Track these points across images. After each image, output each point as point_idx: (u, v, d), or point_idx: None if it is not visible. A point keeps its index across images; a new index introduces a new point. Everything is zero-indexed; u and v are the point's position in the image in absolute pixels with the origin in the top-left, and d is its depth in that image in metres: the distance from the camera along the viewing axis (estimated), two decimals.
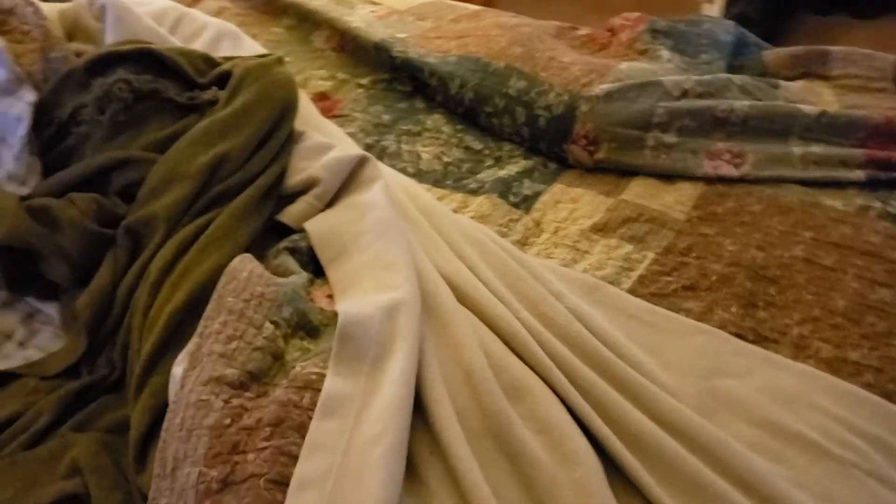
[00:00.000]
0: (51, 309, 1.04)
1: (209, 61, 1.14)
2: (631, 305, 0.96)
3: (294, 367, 0.81)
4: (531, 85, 1.28)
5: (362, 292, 0.90)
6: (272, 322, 0.84)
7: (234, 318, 0.83)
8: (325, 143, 1.10)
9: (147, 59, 1.08)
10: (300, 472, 0.70)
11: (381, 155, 1.27)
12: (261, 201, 1.01)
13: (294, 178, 1.05)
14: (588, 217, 1.13)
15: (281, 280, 0.89)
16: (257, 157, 1.03)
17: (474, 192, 1.18)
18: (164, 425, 0.76)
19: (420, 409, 0.80)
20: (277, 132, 1.06)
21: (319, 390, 0.77)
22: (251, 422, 0.74)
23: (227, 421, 0.74)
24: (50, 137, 1.07)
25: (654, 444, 0.78)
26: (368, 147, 1.28)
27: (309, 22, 1.57)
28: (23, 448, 0.85)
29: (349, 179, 1.07)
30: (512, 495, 0.75)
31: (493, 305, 0.92)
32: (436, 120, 1.35)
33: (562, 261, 1.06)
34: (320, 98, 1.42)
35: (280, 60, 1.15)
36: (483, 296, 0.93)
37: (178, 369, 0.81)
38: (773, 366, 0.87)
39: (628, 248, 1.07)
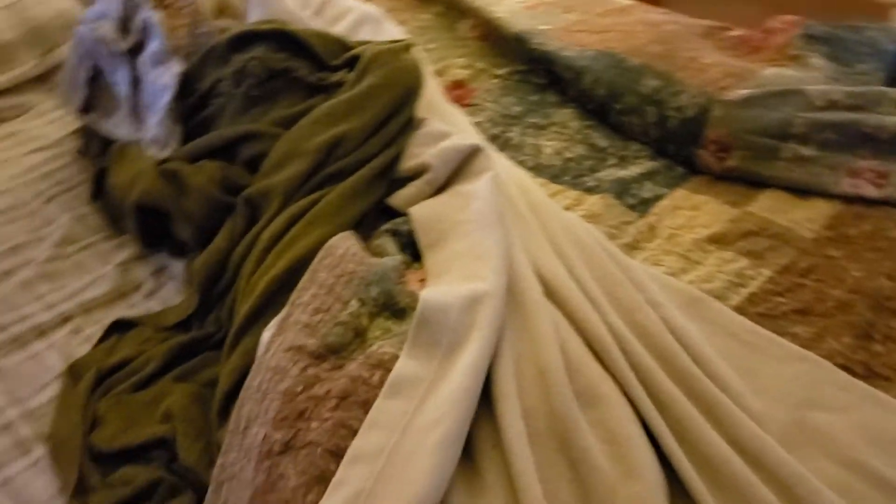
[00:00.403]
0: (179, 266, 1.13)
1: (343, 44, 1.18)
2: (733, 323, 0.92)
3: (372, 346, 0.83)
4: (665, 84, 1.23)
5: (451, 280, 0.91)
6: (359, 300, 0.86)
7: (324, 291, 0.87)
8: (442, 130, 1.11)
9: (283, 38, 1.13)
10: (356, 445, 0.72)
11: (504, 146, 1.27)
12: (373, 182, 1.04)
13: (407, 163, 1.07)
14: (706, 227, 1.08)
15: (374, 260, 0.91)
16: (375, 140, 1.06)
17: (590, 191, 1.16)
18: (245, 385, 0.81)
19: (489, 403, 0.80)
20: (397, 116, 1.09)
21: (391, 370, 0.79)
22: (321, 392, 0.77)
23: (300, 388, 0.77)
24: (191, 107, 1.15)
25: (726, 469, 0.74)
26: (493, 137, 1.28)
27: (456, 10, 1.59)
28: (130, 390, 0.93)
29: (460, 168, 1.07)
30: (568, 500, 0.74)
31: (581, 307, 0.90)
32: (565, 115, 1.33)
33: (669, 269, 1.02)
34: (456, 86, 1.44)
35: (408, 47, 1.17)
36: (574, 297, 0.92)
37: (266, 334, 0.85)
38: (877, 404, 0.80)
39: (743, 262, 1.01)
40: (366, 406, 0.76)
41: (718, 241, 1.05)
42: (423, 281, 0.95)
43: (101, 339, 1.02)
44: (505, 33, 1.47)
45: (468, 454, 0.76)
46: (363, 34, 1.34)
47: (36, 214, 1.26)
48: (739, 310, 0.94)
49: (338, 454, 0.72)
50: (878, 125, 1.10)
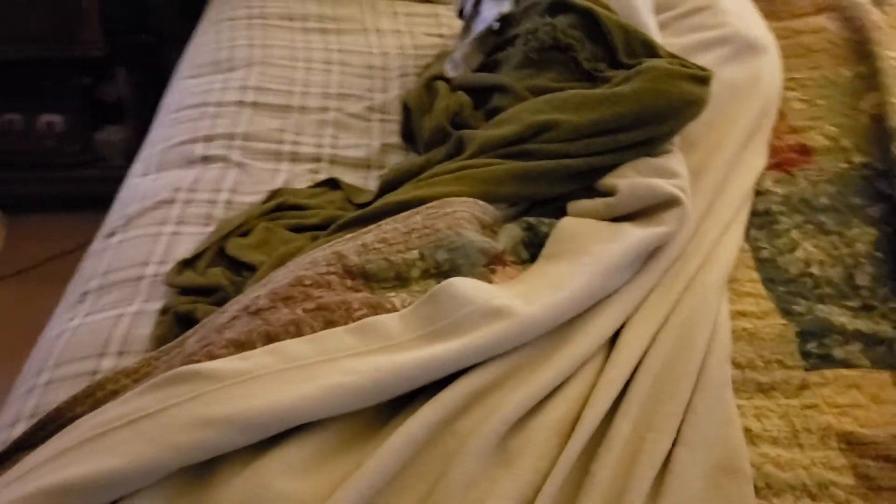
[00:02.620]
0: None
1: (648, 48, 1.14)
2: None
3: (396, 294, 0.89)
4: None
5: (514, 287, 0.90)
6: (421, 254, 0.92)
7: (403, 230, 0.94)
8: (671, 168, 1.04)
9: (590, 18, 1.14)
10: (285, 343, 0.81)
11: (763, 225, 1.12)
12: (555, 177, 1.04)
13: (604, 179, 1.04)
14: (858, 421, 0.86)
15: (468, 233, 0.94)
16: (587, 142, 1.04)
17: (787, 313, 0.99)
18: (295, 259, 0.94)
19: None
20: (625, 132, 1.04)
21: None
22: (315, 294, 0.87)
23: (308, 282, 0.88)
24: (497, 46, 1.24)
25: None
26: (763, 213, 1.14)
27: (873, 80, 1.37)
28: (285, 227, 1.12)
29: (648, 210, 1.01)
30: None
31: (604, 394, 0.83)
32: (862, 234, 1.10)
33: (764, 429, 0.86)
34: (800, 150, 1.27)
35: (703, 79, 1.09)
36: (612, 380, 0.84)
37: (344, 238, 0.96)
38: None
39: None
40: (329, 325, 0.84)
41: (856, 448, 0.84)
42: (512, 280, 0.95)
43: (315, 185, 1.22)
44: (887, 122, 1.24)
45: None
46: (711, 54, 1.25)
47: (383, 80, 1.50)
48: None
49: (273, 340, 0.82)
50: None
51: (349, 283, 0.89)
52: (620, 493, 0.76)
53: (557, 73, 1.14)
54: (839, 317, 0.99)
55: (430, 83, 1.22)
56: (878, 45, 1.41)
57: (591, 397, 0.83)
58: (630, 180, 1.02)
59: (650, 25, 1.18)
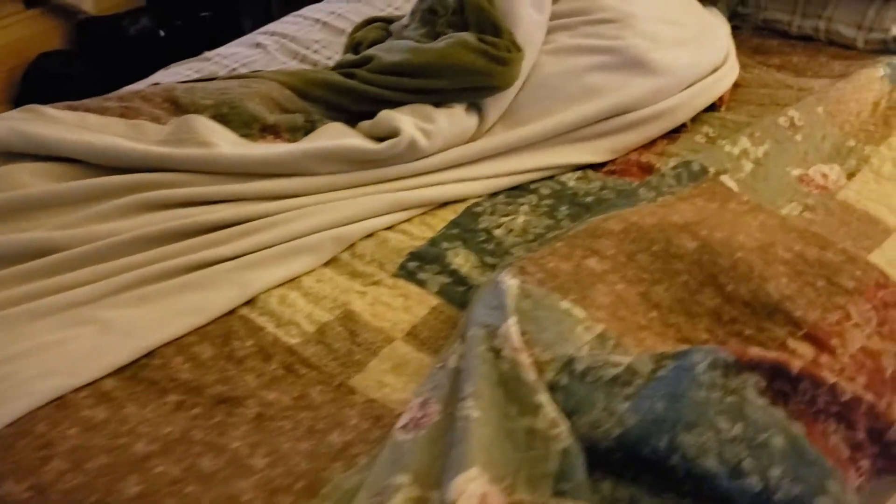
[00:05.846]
0: None
1: (495, 28, 1.35)
2: None
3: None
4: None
5: (248, 143, 1.29)
6: (214, 103, 1.33)
7: (219, 86, 1.37)
8: (431, 116, 1.29)
9: None
10: (87, 115, 1.31)
11: (516, 197, 1.29)
12: (357, 98, 1.36)
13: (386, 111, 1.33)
14: None
15: (248, 102, 1.33)
16: (385, 79, 1.34)
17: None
18: None
19: None
20: (409, 78, 1.32)
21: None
22: (136, 101, 1.35)
23: (142, 95, 1.36)
24: None
25: None
26: (528, 189, 1.31)
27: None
28: None
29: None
30: None
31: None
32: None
33: None
34: (644, 168, 1.36)
35: (500, 59, 1.29)
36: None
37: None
38: None
39: None
40: (122, 118, 1.31)
41: (348, 321, 1.08)
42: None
43: None
44: None
45: None
46: (583, 60, 1.39)
47: None
48: None
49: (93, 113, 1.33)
50: None
51: (164, 105, 1.36)
52: (159, 277, 1.13)
53: (426, 31, 1.43)
54: (460, 259, 1.17)
55: (370, 22, 1.59)
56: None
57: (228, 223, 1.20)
58: (386, 112, 1.31)
59: (521, 15, 1.39)
